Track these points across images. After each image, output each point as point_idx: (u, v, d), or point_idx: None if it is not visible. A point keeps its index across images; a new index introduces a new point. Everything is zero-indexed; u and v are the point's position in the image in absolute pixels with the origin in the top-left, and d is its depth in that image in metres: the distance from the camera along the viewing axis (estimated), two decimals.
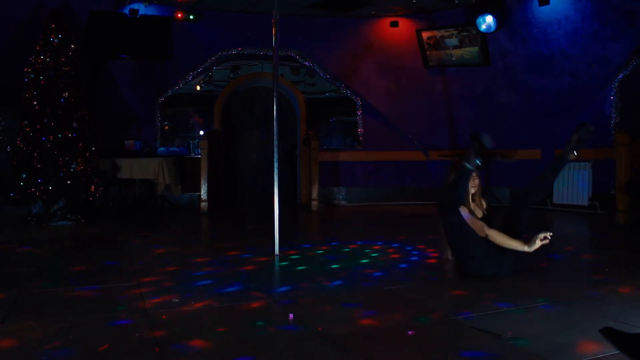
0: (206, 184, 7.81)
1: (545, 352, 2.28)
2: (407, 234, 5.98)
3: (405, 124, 9.43)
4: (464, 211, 3.64)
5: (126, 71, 8.68)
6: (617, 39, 7.52)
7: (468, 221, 3.58)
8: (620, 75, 7.42)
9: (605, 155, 7.39)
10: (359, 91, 9.40)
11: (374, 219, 7.69)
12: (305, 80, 9.51)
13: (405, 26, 9.28)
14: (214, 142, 8.32)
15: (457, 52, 9.00)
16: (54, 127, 6.64)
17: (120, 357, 2.31)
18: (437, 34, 8.96)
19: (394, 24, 9.29)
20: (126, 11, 8.23)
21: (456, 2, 8.47)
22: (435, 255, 4.49)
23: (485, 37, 8.58)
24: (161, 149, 8.63)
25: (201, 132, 9.03)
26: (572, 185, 7.91)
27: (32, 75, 6.72)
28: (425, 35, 9.04)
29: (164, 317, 2.85)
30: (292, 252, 4.70)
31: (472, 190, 3.78)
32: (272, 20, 4.65)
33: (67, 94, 6.78)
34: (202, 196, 7.83)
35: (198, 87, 9.13)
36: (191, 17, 8.70)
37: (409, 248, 4.89)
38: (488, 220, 3.73)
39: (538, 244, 3.37)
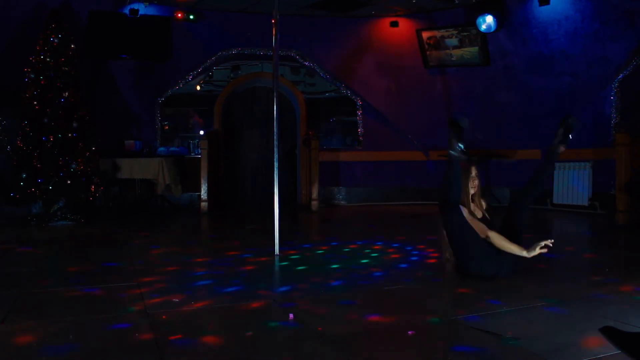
0: (206, 184, 7.81)
1: (545, 352, 2.28)
2: (407, 234, 5.98)
3: (405, 124, 9.43)
4: (464, 211, 3.63)
5: (126, 71, 8.68)
6: (617, 39, 7.52)
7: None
8: (620, 75, 7.42)
9: (605, 155, 7.39)
10: (359, 91, 9.40)
11: (374, 219, 7.69)
12: (305, 80, 9.51)
13: (405, 26, 9.28)
14: (214, 142, 8.33)
15: (457, 52, 9.00)
16: (54, 127, 6.64)
17: (120, 357, 2.31)
18: (437, 34, 8.96)
19: (394, 24, 9.29)
20: (126, 11, 8.23)
21: (456, 2, 8.48)
22: (435, 255, 4.49)
23: (485, 37, 8.58)
24: (161, 149, 8.63)
25: (201, 132, 9.03)
26: (572, 185, 7.90)
27: (32, 75, 6.72)
28: (425, 35, 9.04)
29: (164, 317, 2.85)
30: (292, 252, 4.70)
31: (472, 191, 3.76)
32: (272, 20, 4.65)
33: (67, 94, 6.78)
34: (202, 196, 7.83)
35: (198, 87, 9.13)
36: (191, 17, 8.70)
37: (409, 248, 4.89)
38: (488, 221, 3.73)
39: (537, 251, 3.37)
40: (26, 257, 4.80)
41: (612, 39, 7.57)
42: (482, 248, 3.51)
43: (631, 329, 2.51)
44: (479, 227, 3.57)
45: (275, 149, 4.61)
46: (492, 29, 8.22)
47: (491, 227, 3.61)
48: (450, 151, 3.48)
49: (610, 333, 2.36)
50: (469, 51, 8.89)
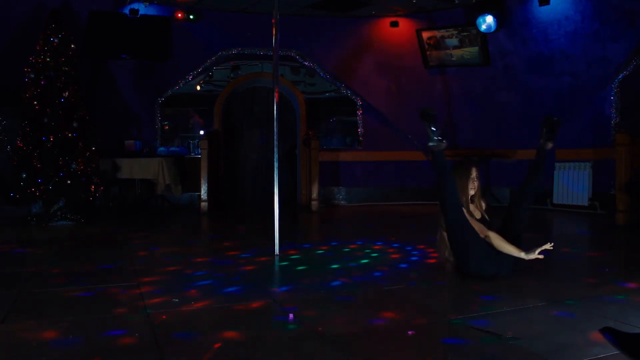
0: (206, 184, 7.81)
1: (545, 352, 2.28)
2: (407, 234, 5.98)
3: (405, 124, 9.42)
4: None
5: (126, 71, 8.68)
6: (617, 39, 7.52)
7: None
8: (620, 75, 7.42)
9: (605, 155, 7.39)
10: (359, 91, 9.40)
11: (374, 219, 7.69)
12: (305, 80, 9.51)
13: (405, 26, 9.28)
14: (214, 142, 8.32)
15: (457, 52, 9.00)
16: (54, 127, 6.64)
17: (121, 357, 2.31)
18: (437, 34, 8.96)
19: (394, 24, 9.29)
20: (126, 11, 8.24)
21: (456, 2, 8.48)
22: (435, 255, 4.48)
23: (485, 37, 8.58)
24: (161, 149, 8.63)
25: (201, 132, 9.03)
26: (572, 185, 7.90)
27: (32, 75, 6.72)
28: (425, 35, 9.04)
29: (164, 317, 2.84)
30: (292, 252, 4.70)
31: (472, 192, 3.75)
32: (272, 20, 4.65)
33: (67, 94, 6.79)
34: (202, 196, 7.83)
35: (198, 87, 9.13)
36: (191, 17, 8.70)
37: (409, 248, 4.89)
38: (486, 221, 3.72)
39: (536, 254, 3.37)
40: (26, 257, 4.80)
41: (612, 39, 7.57)
42: (482, 248, 3.51)
43: (631, 329, 2.51)
44: (478, 228, 3.57)
45: (275, 149, 4.61)
46: (492, 29, 8.22)
47: (490, 228, 3.61)
48: (429, 143, 3.48)
49: (610, 333, 2.36)
50: (469, 51, 8.90)
